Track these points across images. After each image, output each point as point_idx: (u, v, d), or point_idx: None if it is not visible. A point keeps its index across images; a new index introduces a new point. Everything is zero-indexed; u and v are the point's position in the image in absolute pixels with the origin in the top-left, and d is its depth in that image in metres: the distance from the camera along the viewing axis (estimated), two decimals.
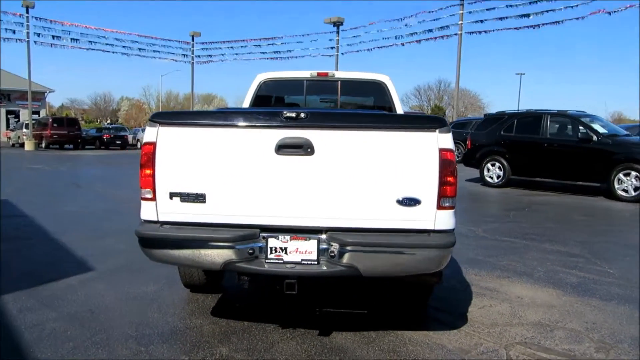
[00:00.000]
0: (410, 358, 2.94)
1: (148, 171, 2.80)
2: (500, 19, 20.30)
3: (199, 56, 33.67)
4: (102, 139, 30.12)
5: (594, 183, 10.03)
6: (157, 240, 2.79)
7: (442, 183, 2.70)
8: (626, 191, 9.15)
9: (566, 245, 5.96)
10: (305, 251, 2.78)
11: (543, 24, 20.57)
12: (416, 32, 23.64)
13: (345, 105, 5.40)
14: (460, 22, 21.38)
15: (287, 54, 30.10)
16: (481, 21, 20.78)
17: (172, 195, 2.78)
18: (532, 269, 4.86)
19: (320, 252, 2.77)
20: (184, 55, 33.44)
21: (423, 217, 2.74)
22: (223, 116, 2.90)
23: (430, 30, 22.52)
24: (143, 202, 2.86)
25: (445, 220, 2.76)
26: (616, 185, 9.18)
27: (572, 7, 18.44)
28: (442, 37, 22.53)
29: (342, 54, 28.57)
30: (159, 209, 2.81)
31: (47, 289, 3.93)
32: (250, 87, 5.38)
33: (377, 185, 2.72)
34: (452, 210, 2.78)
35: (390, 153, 2.71)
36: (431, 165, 2.70)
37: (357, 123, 2.80)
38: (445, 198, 2.72)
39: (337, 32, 28.25)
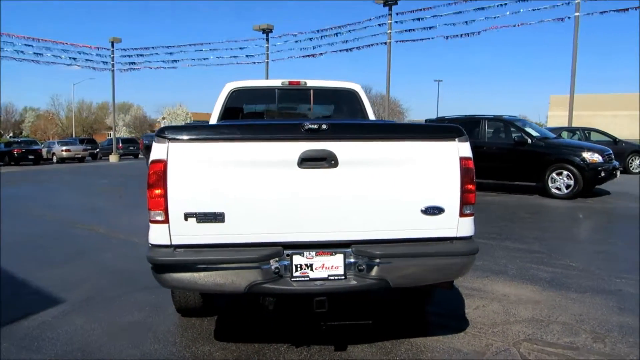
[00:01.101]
0: None
1: (158, 191, 2.60)
2: (426, 28, 21.30)
3: (120, 63, 32.05)
4: (12, 154, 27.72)
5: (531, 182, 10.75)
6: (174, 266, 2.59)
7: (464, 191, 2.76)
8: (559, 189, 9.91)
9: (524, 242, 6.32)
10: (332, 266, 2.71)
11: (467, 34, 21.87)
12: (347, 40, 24.16)
13: (319, 115, 5.38)
14: (389, 31, 22.16)
15: (216, 60, 29.46)
16: (409, 30, 21.70)
17: (187, 216, 2.60)
18: (504, 267, 5.10)
19: (347, 266, 2.72)
20: (104, 62, 31.66)
21: (446, 225, 2.78)
22: (240, 129, 2.76)
23: (359, 39, 23.17)
24: (152, 225, 2.65)
25: (466, 227, 2.82)
26: (550, 184, 9.91)
27: (493, 17, 19.74)
28: (370, 45, 23.22)
29: (273, 60, 28.53)
30: (173, 232, 2.61)
31: (18, 328, 3.51)
32: (218, 96, 5.20)
33: (401, 195, 2.72)
34: (472, 217, 2.84)
35: (413, 163, 2.73)
36: (453, 173, 2.74)
37: (379, 133, 2.79)
38: (467, 205, 2.78)
39: (267, 39, 28.16)
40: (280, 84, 5.19)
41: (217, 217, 2.60)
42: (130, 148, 35.76)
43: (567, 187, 9.79)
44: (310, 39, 26.13)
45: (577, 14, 17.71)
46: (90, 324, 3.55)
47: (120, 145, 35.05)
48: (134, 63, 31.94)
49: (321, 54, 25.81)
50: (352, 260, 2.72)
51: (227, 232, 2.63)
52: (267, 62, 28.76)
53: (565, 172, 9.78)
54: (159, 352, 3.12)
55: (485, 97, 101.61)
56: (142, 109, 74.11)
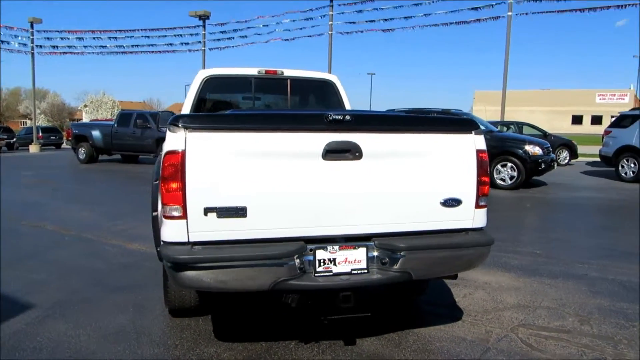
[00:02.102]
0: (445, 354, 3.01)
1: (175, 185, 2.41)
2: (368, 21, 21.54)
3: (40, 46, 29.56)
4: None
5: None
6: (195, 264, 2.42)
7: (480, 183, 2.80)
8: (504, 180, 10.45)
9: None
10: (355, 260, 2.66)
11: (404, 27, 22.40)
12: (288, 29, 23.86)
13: (296, 105, 5.26)
14: (330, 22, 22.18)
15: (148, 47, 28.01)
16: (350, 22, 21.84)
17: (207, 211, 2.43)
18: None
19: (369, 260, 2.68)
20: (23, 44, 29.09)
21: (463, 217, 2.82)
22: (263, 119, 2.62)
23: (302, 29, 22.99)
24: (168, 221, 2.45)
25: (481, 218, 2.87)
26: (495, 175, 10.43)
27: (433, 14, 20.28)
28: (311, 35, 23.14)
29: (210, 49, 27.62)
30: (191, 228, 2.44)
31: None
32: (191, 84, 4.94)
33: (421, 187, 2.72)
34: (486, 209, 2.90)
35: (432, 155, 2.73)
36: (470, 166, 2.78)
37: (401, 125, 2.77)
38: (482, 197, 2.83)
39: (204, 26, 27.18)
40: (256, 73, 5.02)
41: (239, 212, 2.46)
42: (52, 138, 33.22)
43: (511, 178, 10.35)
44: (249, 27, 25.57)
45: (509, 13, 18.66)
46: (74, 330, 3.26)
47: (41, 134, 32.53)
48: (55, 47, 29.65)
49: (265, 42, 25.35)
50: (375, 253, 2.69)
51: (249, 228, 2.49)
52: (204, 50, 27.84)
53: (509, 164, 10.33)
54: (161, 356, 2.93)
55: (414, 91, 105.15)
56: (60, 96, 69.16)
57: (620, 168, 12.04)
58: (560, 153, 16.12)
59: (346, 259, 2.65)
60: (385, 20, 20.90)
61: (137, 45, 28.06)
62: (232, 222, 2.46)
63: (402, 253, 2.65)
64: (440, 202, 2.76)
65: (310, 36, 23.67)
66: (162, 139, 12.07)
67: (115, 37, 27.98)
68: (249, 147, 2.48)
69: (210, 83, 4.90)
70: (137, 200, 9.30)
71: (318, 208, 2.58)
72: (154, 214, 3.04)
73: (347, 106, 5.26)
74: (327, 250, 2.62)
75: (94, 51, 28.68)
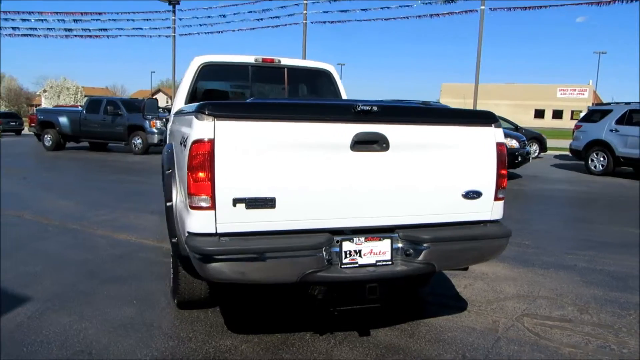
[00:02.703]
0: (459, 343, 3.06)
1: (203, 174, 2.34)
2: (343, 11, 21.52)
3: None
4: None
5: None
6: (225, 255, 2.36)
7: (499, 175, 2.85)
8: None
9: None
10: (380, 252, 2.66)
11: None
12: (262, 19, 23.55)
13: (297, 95, 5.20)
14: (304, 11, 22.03)
15: (116, 32, 27.11)
16: (326, 12, 21.75)
17: (236, 201, 2.38)
18: None
19: (394, 251, 2.69)
20: None
21: (483, 209, 2.86)
22: (293, 108, 2.58)
23: (278, 17, 22.77)
24: (194, 212, 2.39)
25: (499, 210, 2.92)
26: None
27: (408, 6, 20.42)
28: (285, 24, 22.96)
29: (181, 35, 26.99)
30: (219, 219, 2.38)
31: None
32: (186, 71, 4.82)
33: (445, 179, 2.74)
34: (503, 201, 2.95)
35: (455, 147, 2.76)
36: (490, 158, 2.82)
37: (427, 117, 2.77)
38: (500, 189, 2.88)
39: (174, 12, 26.51)
40: (253, 61, 4.93)
41: (268, 203, 2.41)
42: (12, 124, 31.77)
43: None
44: (222, 15, 25.11)
45: (482, 7, 18.99)
46: (79, 323, 3.15)
47: (0, 120, 31.08)
48: (15, 28, 28.34)
49: (237, 30, 24.92)
50: (399, 245, 2.70)
51: (278, 219, 2.46)
52: (174, 37, 27.17)
53: None
54: (178, 349, 2.86)
55: (383, 82, 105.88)
56: (16, 80, 66.21)
57: (590, 162, 12.49)
58: (530, 146, 16.58)
59: (371, 250, 2.65)
60: (363, 10, 20.85)
61: (104, 29, 27.14)
62: (260, 213, 2.42)
63: (426, 245, 2.67)
64: (462, 194, 2.79)
65: (285, 25, 23.41)
66: (135, 127, 11.99)
67: (81, 20, 26.94)
68: (278, 136, 2.44)
69: (207, 70, 4.78)
70: (114, 189, 9.06)
71: (344, 199, 2.57)
72: (168, 204, 2.95)
73: (344, 96, 5.25)
74: (353, 242, 2.61)
75: (59, 34, 27.52)
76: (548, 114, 64.32)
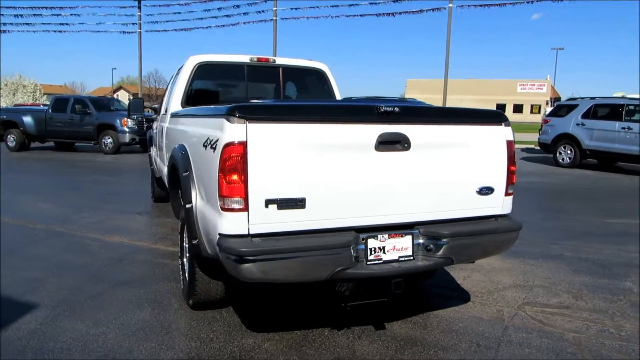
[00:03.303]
0: (471, 333, 3.20)
1: (236, 177, 2.38)
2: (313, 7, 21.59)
3: None
4: None
5: None
6: (259, 256, 2.40)
7: (509, 172, 2.99)
8: None
9: None
10: (402, 248, 2.76)
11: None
12: (231, 15, 23.32)
13: (292, 94, 5.23)
14: (274, 8, 21.95)
15: (79, 27, 26.26)
16: (295, 8, 21.74)
17: (268, 202, 2.42)
18: None
19: (415, 247, 2.78)
20: None
21: (495, 204, 3.00)
22: (321, 110, 2.63)
23: (247, 14, 22.56)
24: (227, 214, 2.42)
25: (508, 205, 3.07)
26: None
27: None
28: (259, 21, 22.79)
29: (147, 31, 26.40)
30: (252, 220, 2.42)
31: (7, 340, 2.94)
32: (181, 70, 4.78)
33: (461, 176, 2.86)
34: (512, 196, 3.09)
35: (470, 146, 2.88)
36: (501, 155, 2.96)
37: (444, 117, 2.88)
38: (510, 185, 3.02)
39: (139, 7, 25.91)
40: (248, 60, 4.94)
41: (298, 203, 2.47)
42: None
43: None
44: (191, 11, 24.70)
45: (450, 5, 19.41)
46: (95, 328, 3.12)
47: None
48: None
49: (207, 27, 24.60)
50: (420, 241, 2.80)
51: (307, 219, 2.52)
52: (140, 33, 26.55)
53: None
54: (202, 349, 2.88)
55: (349, 79, 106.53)
56: None
57: (557, 154, 13.02)
58: None
59: (394, 246, 2.74)
60: (334, 6, 20.92)
61: (65, 24, 26.25)
62: (291, 213, 2.47)
63: (445, 240, 2.78)
64: (476, 191, 2.92)
65: (253, 22, 23.27)
66: (105, 126, 11.69)
67: (41, 15, 25.98)
68: (307, 138, 2.49)
69: (202, 70, 4.76)
70: (92, 190, 8.84)
71: (369, 198, 2.65)
72: (188, 206, 2.96)
73: (338, 95, 5.32)
74: (377, 239, 2.70)
75: (17, 29, 26.44)
76: (509, 108, 66.19)
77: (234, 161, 2.37)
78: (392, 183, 2.68)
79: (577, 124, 12.44)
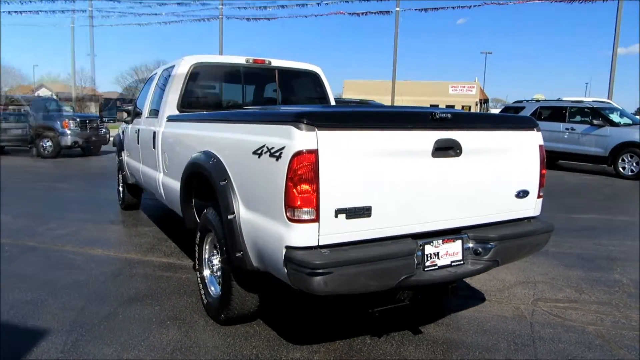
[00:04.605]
0: (503, 332, 3.30)
1: (307, 187, 2.30)
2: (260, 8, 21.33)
3: None
4: None
5: None
6: (334, 268, 2.32)
7: (541, 175, 3.11)
8: None
9: None
10: (454, 252, 2.80)
11: None
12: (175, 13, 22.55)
13: (287, 97, 5.13)
14: (220, 6, 21.48)
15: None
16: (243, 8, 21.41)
17: (337, 212, 2.36)
18: None
19: (465, 251, 2.83)
20: None
21: (529, 207, 3.11)
22: (385, 116, 2.62)
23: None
24: (296, 225, 2.33)
25: (539, 207, 3.20)
26: None
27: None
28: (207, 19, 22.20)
29: (94, 26, 24.88)
30: (322, 231, 2.35)
31: None
32: (175, 72, 4.55)
33: (502, 180, 2.95)
34: (542, 199, 3.22)
35: (509, 150, 2.97)
36: (535, 159, 3.08)
37: (490, 123, 2.95)
38: (542, 188, 3.14)
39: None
40: (244, 62, 4.80)
41: (365, 212, 2.43)
42: None
43: None
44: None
45: (397, 9, 19.92)
46: (127, 352, 2.90)
47: None
48: None
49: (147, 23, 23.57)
50: (469, 245, 2.84)
51: (372, 227, 2.49)
52: (92, 27, 25.01)
53: None
54: None
55: None
56: None
57: None
58: None
59: (447, 252, 2.77)
60: (282, 7, 20.83)
61: None
62: (358, 222, 2.43)
63: (493, 243, 2.85)
64: (514, 194, 3.01)
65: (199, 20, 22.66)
66: (43, 127, 10.97)
67: None
68: (372, 145, 2.47)
69: (197, 71, 4.57)
70: (47, 198, 8.21)
71: (424, 204, 2.66)
72: (230, 217, 2.82)
73: (331, 97, 5.31)
74: (432, 244, 2.71)
75: None
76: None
77: (305, 170, 2.29)
78: (444, 188, 2.71)
79: None
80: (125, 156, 6.43)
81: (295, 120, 2.34)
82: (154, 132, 4.64)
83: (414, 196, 2.60)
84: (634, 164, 11.46)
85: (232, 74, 4.84)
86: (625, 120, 12.43)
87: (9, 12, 24.24)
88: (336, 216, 2.36)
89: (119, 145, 6.80)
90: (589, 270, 4.66)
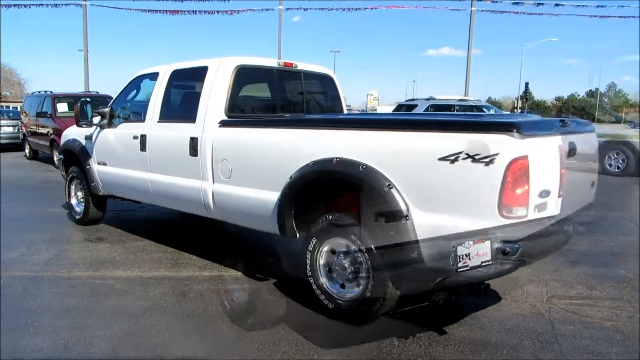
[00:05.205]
0: (525, 330, 3.34)
1: (520, 190, 2.76)
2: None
3: None
4: None
5: None
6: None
7: (561, 175, 3.17)
8: None
9: None
10: (483, 253, 2.82)
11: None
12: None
13: (310, 99, 5.18)
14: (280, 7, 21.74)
15: None
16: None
17: (535, 208, 2.86)
18: None
19: (493, 251, 2.86)
20: None
21: (551, 206, 3.16)
22: (560, 124, 3.15)
23: None
24: (510, 222, 2.75)
25: (559, 206, 3.25)
26: None
27: None
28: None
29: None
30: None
31: None
32: (216, 74, 4.31)
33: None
34: (562, 198, 3.29)
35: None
36: (556, 159, 3.13)
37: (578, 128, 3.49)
38: (561, 187, 3.20)
39: None
40: (277, 65, 4.81)
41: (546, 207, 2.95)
42: None
43: None
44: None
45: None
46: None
47: None
48: None
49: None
50: (497, 245, 2.87)
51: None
52: (85, 5, 24.29)
53: None
54: None
55: None
56: None
57: None
58: None
59: (477, 252, 2.79)
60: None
61: None
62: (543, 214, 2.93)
63: (521, 242, 2.88)
64: (538, 194, 3.06)
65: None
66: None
67: None
68: (551, 148, 2.95)
69: (241, 73, 4.45)
70: None
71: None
72: (403, 221, 2.97)
73: (343, 100, 5.39)
74: (464, 245, 2.74)
75: None
76: None
77: (520, 173, 2.70)
78: None
79: None
80: (94, 165, 5.89)
81: (508, 129, 2.73)
82: (194, 139, 4.41)
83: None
84: None
85: (269, 77, 4.87)
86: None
87: None
88: (534, 211, 2.81)
89: (88, 153, 5.97)
90: (595, 267, 4.76)
